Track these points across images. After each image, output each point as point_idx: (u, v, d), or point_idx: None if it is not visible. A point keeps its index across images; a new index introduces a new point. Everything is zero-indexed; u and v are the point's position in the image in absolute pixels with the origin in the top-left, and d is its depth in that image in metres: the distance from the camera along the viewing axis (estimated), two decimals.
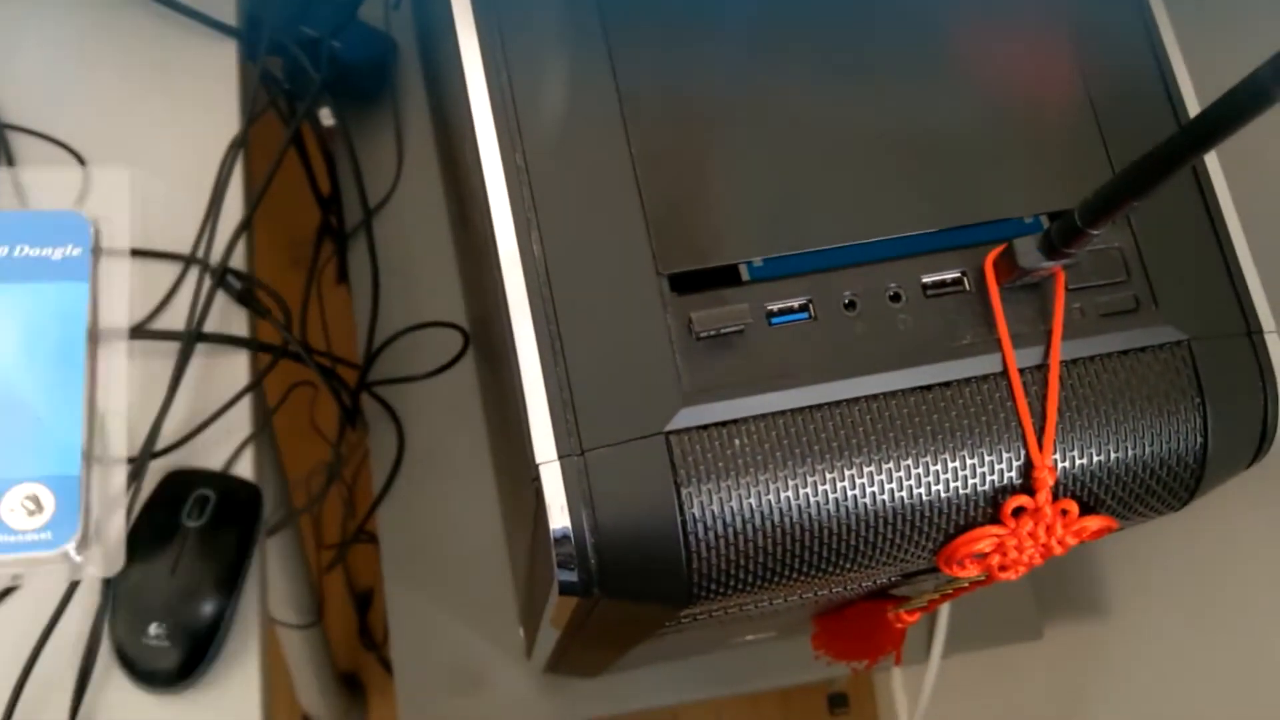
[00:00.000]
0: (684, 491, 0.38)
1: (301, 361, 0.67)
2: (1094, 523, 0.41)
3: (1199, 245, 0.43)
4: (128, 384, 0.64)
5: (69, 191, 0.66)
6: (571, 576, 0.39)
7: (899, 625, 0.56)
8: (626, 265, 0.40)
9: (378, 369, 0.73)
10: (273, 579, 0.75)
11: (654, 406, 0.38)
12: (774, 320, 0.40)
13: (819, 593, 0.47)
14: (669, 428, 0.38)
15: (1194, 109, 0.44)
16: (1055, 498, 0.40)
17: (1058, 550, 0.41)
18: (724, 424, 0.39)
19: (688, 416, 0.38)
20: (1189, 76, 0.45)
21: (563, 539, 0.38)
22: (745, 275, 0.40)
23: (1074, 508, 0.41)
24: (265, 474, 0.66)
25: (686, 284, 0.40)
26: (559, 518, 0.38)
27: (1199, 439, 0.41)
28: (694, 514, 0.38)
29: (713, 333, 0.39)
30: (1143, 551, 0.73)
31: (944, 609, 0.80)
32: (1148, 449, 0.41)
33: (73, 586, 0.59)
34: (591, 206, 0.40)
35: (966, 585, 0.50)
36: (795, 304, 0.40)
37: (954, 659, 0.83)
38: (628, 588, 0.39)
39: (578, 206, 0.40)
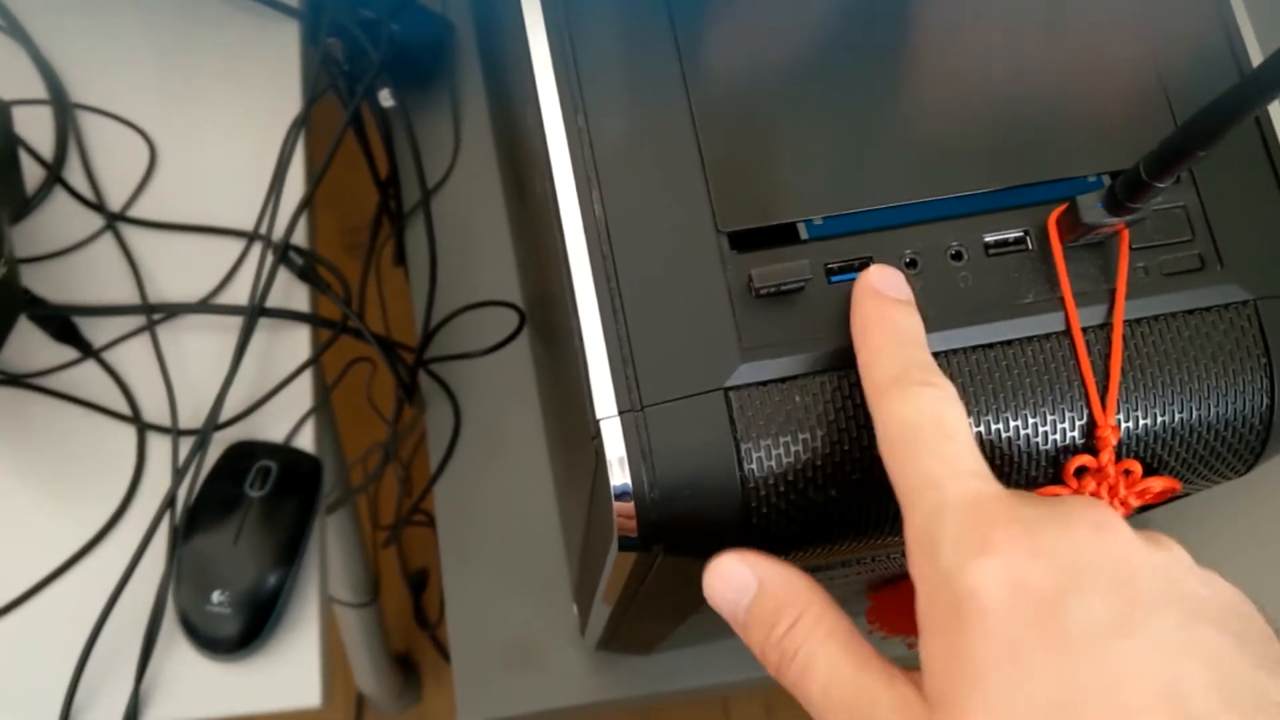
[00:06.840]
0: (743, 447, 0.38)
1: (361, 338, 0.68)
2: (1157, 484, 0.41)
3: (1265, 204, 0.42)
4: (193, 358, 0.66)
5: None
6: (631, 531, 0.39)
7: None
8: (686, 223, 0.40)
9: (434, 349, 0.74)
10: (330, 557, 0.76)
11: (713, 363, 0.39)
12: (834, 278, 0.40)
13: (879, 555, 0.47)
14: (728, 383, 0.38)
15: None
16: (1118, 458, 0.40)
17: (1120, 511, 0.41)
18: (783, 380, 0.39)
19: (747, 373, 0.38)
20: (1257, 41, 0.44)
21: (623, 493, 0.38)
22: (804, 234, 0.40)
23: (1137, 468, 0.40)
24: (325, 449, 0.67)
25: (746, 242, 0.40)
26: (619, 472, 0.38)
27: (1265, 400, 0.41)
28: (753, 469, 0.38)
29: (773, 289, 0.39)
30: (1208, 523, 0.72)
31: None
32: (1212, 410, 0.41)
33: (139, 554, 0.60)
34: (652, 166, 0.40)
35: None
36: (855, 261, 0.40)
37: None
38: (687, 543, 0.39)
39: (638, 166, 0.40)
